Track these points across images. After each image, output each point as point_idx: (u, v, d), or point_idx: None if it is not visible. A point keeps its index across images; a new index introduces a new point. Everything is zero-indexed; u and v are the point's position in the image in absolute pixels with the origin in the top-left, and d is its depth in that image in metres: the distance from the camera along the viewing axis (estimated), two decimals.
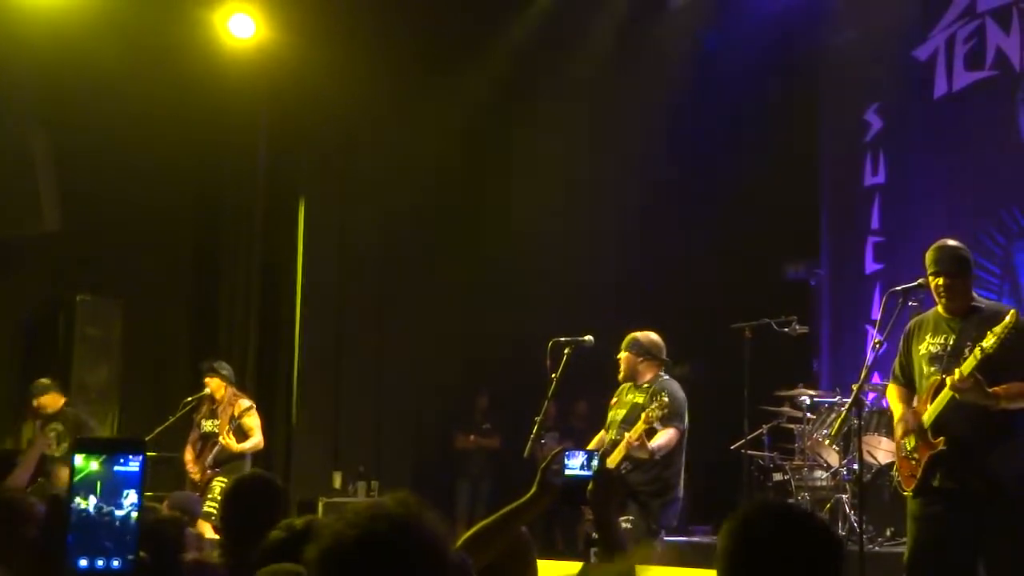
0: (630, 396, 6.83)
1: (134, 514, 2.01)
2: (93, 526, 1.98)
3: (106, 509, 1.99)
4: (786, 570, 2.09)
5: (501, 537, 2.99)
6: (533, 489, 3.00)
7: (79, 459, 2.00)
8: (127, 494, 2.01)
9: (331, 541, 1.76)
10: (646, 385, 6.76)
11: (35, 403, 9.05)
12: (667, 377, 6.89)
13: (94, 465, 2.01)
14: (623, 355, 6.84)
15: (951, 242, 5.38)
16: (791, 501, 8.48)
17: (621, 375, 6.87)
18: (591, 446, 6.88)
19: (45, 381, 9.18)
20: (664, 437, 6.59)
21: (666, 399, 6.51)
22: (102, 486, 2.00)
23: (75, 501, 1.98)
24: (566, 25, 11.39)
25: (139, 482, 2.02)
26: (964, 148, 10.06)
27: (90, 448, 2.02)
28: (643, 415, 6.49)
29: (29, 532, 3.49)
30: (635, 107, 11.26)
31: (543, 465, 3.01)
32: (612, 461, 6.46)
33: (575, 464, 2.98)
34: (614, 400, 6.96)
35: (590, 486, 2.95)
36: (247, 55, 10.56)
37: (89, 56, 9.56)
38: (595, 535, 3.10)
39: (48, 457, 8.85)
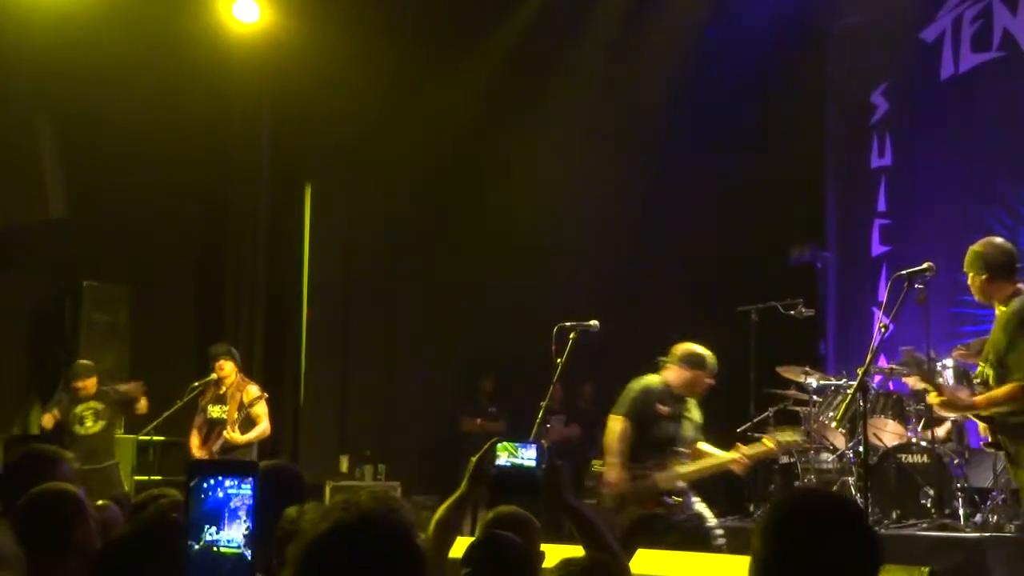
0: (695, 412, 7.00)
1: (247, 550, 1.96)
2: (208, 560, 1.94)
3: (222, 539, 1.95)
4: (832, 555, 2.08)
5: (456, 523, 3.26)
6: (464, 480, 3.23)
7: (193, 493, 1.95)
8: (239, 523, 1.97)
9: (308, 535, 1.79)
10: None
11: (79, 384, 9.11)
12: None
13: (206, 496, 1.95)
14: (708, 380, 6.90)
15: (989, 239, 5.38)
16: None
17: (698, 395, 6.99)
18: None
19: (87, 363, 9.25)
20: None
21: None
22: (215, 517, 1.95)
23: (191, 535, 1.94)
24: (571, 10, 11.36)
25: (252, 508, 1.97)
26: (971, 130, 10.03)
27: (203, 471, 1.98)
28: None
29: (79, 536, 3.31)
30: (639, 91, 11.24)
31: (477, 456, 3.23)
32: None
33: (528, 455, 3.13)
34: (667, 409, 6.90)
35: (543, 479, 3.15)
36: (252, 40, 10.55)
37: (94, 43, 9.57)
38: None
39: (80, 436, 8.98)
